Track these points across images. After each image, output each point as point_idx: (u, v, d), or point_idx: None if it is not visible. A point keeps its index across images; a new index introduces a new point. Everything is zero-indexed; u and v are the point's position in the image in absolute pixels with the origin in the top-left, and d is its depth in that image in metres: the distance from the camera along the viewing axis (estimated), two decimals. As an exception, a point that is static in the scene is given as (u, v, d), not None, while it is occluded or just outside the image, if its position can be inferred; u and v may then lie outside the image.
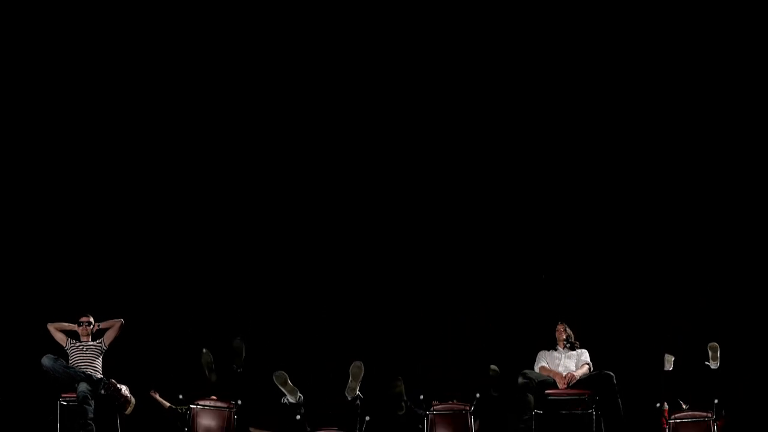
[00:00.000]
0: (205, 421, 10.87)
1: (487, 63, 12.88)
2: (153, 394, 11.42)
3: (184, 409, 11.08)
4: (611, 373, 10.80)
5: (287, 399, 10.83)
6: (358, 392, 10.85)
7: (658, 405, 10.88)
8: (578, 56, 12.69)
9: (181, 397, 11.12)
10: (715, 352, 10.94)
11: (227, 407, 10.96)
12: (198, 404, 10.90)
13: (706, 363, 10.96)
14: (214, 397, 11.28)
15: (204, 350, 11.28)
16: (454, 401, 11.10)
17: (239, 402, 10.99)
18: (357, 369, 10.79)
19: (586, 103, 12.74)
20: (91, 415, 10.17)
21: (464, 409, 10.93)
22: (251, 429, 11.63)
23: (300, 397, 10.86)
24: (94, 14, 12.87)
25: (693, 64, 12.49)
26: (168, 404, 11.44)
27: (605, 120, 12.72)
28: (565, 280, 12.70)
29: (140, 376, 11.93)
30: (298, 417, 10.05)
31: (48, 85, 12.91)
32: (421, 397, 11.10)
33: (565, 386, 10.81)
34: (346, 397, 10.72)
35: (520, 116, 12.86)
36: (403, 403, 11.04)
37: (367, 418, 9.72)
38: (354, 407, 10.82)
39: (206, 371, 11.32)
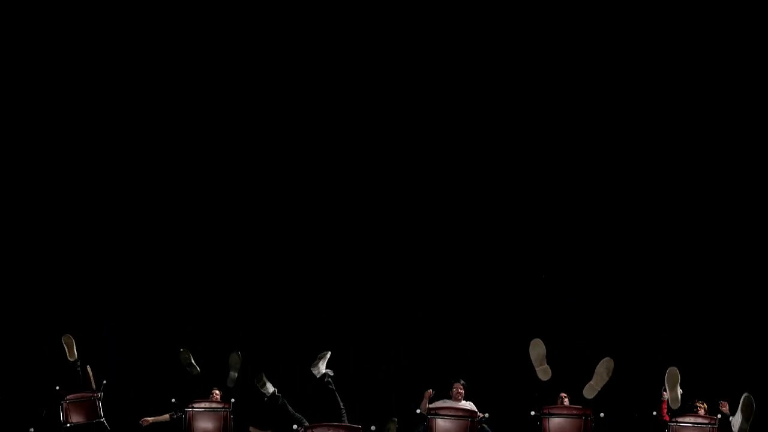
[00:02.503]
0: (202, 423, 10.90)
1: (487, 63, 12.83)
2: (144, 421, 11.45)
3: (179, 413, 11.10)
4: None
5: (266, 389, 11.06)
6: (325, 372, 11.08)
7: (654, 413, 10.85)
8: (578, 56, 12.62)
9: (174, 401, 11.15)
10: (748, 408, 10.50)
11: (223, 408, 11.00)
12: (193, 407, 10.93)
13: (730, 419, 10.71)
14: (218, 392, 11.37)
15: (181, 349, 11.69)
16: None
17: (233, 400, 11.09)
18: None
19: (585, 103, 12.67)
20: None
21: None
22: (251, 428, 11.64)
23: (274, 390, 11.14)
24: (94, 14, 12.91)
25: (693, 64, 12.40)
26: (167, 416, 11.47)
27: (605, 120, 12.65)
28: (565, 280, 12.66)
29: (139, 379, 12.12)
30: (295, 427, 10.10)
31: (47, 87, 12.99)
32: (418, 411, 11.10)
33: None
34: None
35: (519, 116, 12.81)
36: None
37: (373, 428, 9.71)
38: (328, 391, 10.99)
39: (187, 368, 11.66)
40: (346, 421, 10.78)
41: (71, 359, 11.74)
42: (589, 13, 12.59)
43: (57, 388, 11.40)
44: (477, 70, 12.90)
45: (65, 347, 11.72)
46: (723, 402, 10.79)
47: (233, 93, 13.11)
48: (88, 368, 11.85)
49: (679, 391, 10.50)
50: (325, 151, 13.09)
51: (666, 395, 10.69)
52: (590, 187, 12.75)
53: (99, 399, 11.45)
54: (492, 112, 12.91)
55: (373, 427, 9.58)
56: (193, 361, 11.74)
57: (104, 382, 11.63)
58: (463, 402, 11.35)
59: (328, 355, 11.33)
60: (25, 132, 13.00)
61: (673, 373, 10.46)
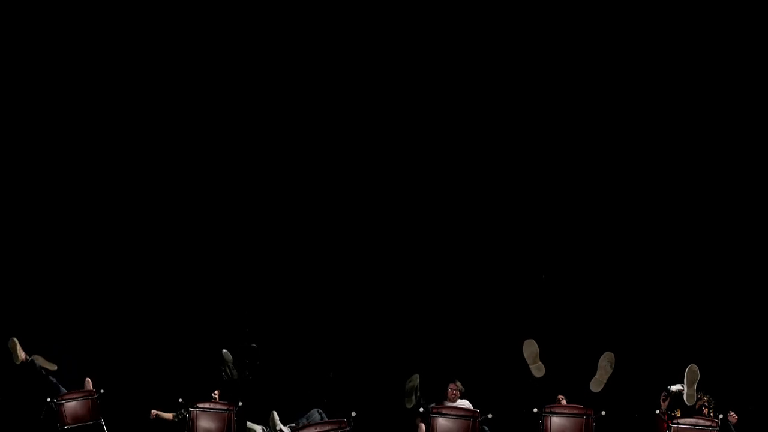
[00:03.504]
0: (205, 423, 10.87)
1: (487, 63, 12.85)
2: (154, 414, 11.49)
3: (184, 413, 11.09)
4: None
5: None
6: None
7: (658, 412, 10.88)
8: (578, 56, 12.66)
9: (180, 400, 11.12)
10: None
11: (227, 409, 10.97)
12: (197, 407, 10.90)
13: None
14: (217, 392, 11.35)
15: (224, 350, 11.55)
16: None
17: (240, 404, 11.00)
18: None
19: (585, 103, 12.71)
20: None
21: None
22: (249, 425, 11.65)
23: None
24: (94, 14, 12.89)
25: (693, 64, 12.45)
26: (171, 415, 11.49)
27: (605, 120, 12.70)
28: (565, 280, 12.70)
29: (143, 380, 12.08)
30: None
31: (45, 86, 12.96)
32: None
33: None
34: None
35: (519, 117, 12.84)
36: (414, 397, 10.94)
37: (353, 413, 9.73)
38: None
39: (228, 369, 11.56)
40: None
41: (18, 362, 11.37)
42: (589, 13, 12.63)
43: (48, 400, 11.24)
44: (477, 70, 12.93)
45: (11, 351, 11.34)
46: (733, 414, 10.95)
47: (233, 93, 13.12)
48: (36, 358, 11.55)
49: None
50: (326, 151, 13.11)
51: (665, 403, 10.78)
52: (590, 187, 12.79)
53: (96, 399, 11.34)
54: (492, 113, 12.94)
55: (353, 413, 9.64)
56: (233, 364, 11.63)
57: (101, 391, 11.49)
58: (459, 401, 11.33)
59: (276, 417, 10.93)
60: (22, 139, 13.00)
61: (693, 370, 10.55)
